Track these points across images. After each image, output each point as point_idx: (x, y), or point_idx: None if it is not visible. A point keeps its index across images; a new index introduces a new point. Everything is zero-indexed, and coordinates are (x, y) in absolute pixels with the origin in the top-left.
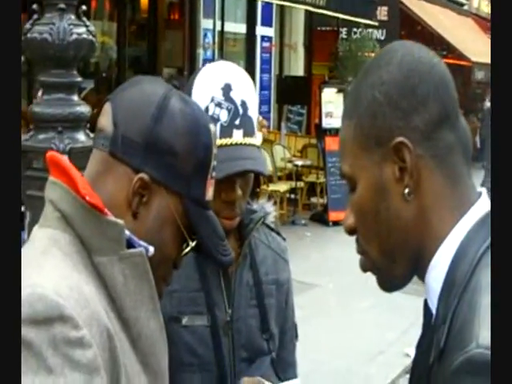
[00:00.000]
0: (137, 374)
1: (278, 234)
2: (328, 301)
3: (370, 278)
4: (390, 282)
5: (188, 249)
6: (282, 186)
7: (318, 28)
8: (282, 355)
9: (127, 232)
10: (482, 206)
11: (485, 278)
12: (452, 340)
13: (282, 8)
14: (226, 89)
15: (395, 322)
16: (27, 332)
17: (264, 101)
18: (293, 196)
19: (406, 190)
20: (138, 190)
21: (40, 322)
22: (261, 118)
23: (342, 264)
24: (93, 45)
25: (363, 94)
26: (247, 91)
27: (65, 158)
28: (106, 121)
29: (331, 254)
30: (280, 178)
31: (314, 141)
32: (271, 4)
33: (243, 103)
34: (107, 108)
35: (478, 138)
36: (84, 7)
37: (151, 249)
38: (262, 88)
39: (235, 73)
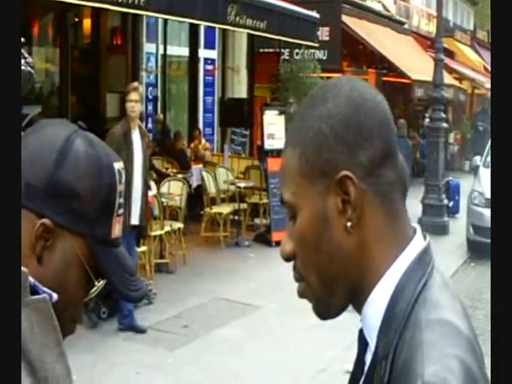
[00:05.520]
0: None
1: None
2: (270, 321)
3: None
4: (327, 311)
5: (95, 288)
6: (226, 208)
7: (261, 50)
8: None
9: (31, 279)
10: (418, 242)
11: (423, 315)
12: (396, 376)
13: (224, 31)
14: None
15: (336, 340)
16: None
17: (207, 123)
18: (236, 217)
19: (349, 224)
20: (41, 234)
21: None
22: (204, 140)
23: (285, 284)
24: (31, 76)
25: (309, 125)
26: None
27: None
28: None
29: (275, 275)
30: (223, 200)
31: (256, 162)
32: (214, 27)
33: None
34: None
35: (418, 155)
36: (23, 39)
37: (55, 296)
38: (205, 111)
39: None
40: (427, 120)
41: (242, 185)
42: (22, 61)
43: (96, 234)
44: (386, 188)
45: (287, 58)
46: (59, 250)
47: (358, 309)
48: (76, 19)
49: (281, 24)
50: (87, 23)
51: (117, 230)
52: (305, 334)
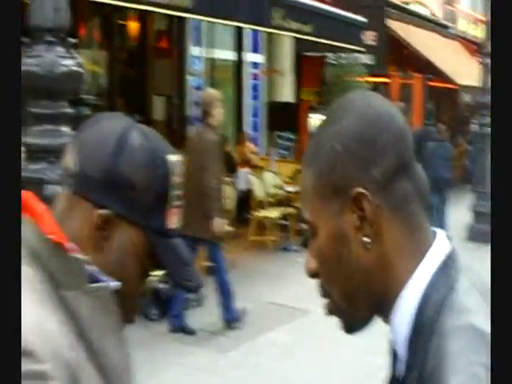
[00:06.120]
0: None
1: None
2: (319, 326)
3: None
4: (352, 325)
5: (152, 278)
6: (273, 213)
7: (307, 53)
8: None
9: (91, 267)
10: (439, 247)
11: (450, 322)
12: None
13: (269, 34)
14: None
15: (384, 346)
16: None
17: (253, 127)
18: (284, 222)
19: (367, 239)
20: (100, 225)
21: None
22: (250, 144)
23: None
24: (81, 76)
25: (322, 144)
26: None
27: (32, 196)
28: (69, 160)
29: None
30: (271, 204)
31: None
32: (259, 31)
33: None
34: (71, 147)
35: (466, 161)
36: (73, 40)
37: (114, 284)
38: (251, 114)
39: None
40: (474, 126)
41: (290, 189)
42: (74, 61)
43: (151, 224)
44: (402, 200)
45: (333, 61)
46: (117, 240)
47: (386, 321)
48: (122, 22)
49: (326, 27)
50: (134, 26)
51: (173, 221)
52: (353, 339)
